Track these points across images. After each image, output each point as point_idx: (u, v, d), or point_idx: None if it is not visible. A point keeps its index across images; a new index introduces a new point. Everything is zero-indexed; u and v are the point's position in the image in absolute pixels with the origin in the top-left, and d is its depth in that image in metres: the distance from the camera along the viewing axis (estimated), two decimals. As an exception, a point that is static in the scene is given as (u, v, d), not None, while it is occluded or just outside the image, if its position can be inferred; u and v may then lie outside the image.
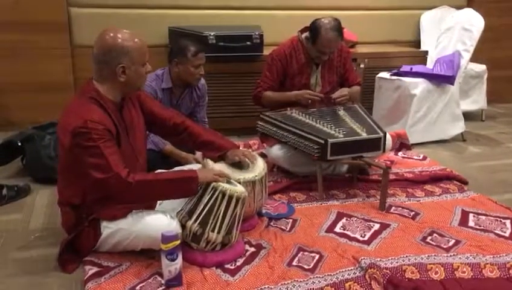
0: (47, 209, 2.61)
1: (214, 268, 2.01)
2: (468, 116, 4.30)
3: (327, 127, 2.76)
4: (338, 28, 2.90)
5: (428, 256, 2.11)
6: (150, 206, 2.14)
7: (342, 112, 3.00)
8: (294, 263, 2.07)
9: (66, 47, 3.88)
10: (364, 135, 2.70)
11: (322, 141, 2.60)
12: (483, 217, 2.52)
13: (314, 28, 2.93)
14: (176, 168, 2.48)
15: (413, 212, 2.56)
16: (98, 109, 1.94)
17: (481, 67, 4.46)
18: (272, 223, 2.43)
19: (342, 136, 2.67)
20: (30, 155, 3.01)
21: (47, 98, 3.76)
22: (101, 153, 1.86)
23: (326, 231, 2.37)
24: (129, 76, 1.97)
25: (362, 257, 2.05)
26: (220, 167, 2.25)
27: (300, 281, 1.93)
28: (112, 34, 1.95)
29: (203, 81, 3.05)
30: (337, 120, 2.89)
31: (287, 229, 2.38)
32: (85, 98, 1.96)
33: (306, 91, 3.01)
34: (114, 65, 1.94)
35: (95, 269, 1.98)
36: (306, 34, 3.04)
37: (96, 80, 2.00)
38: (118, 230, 2.00)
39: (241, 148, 2.54)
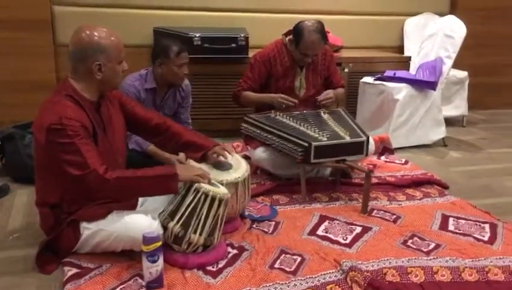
0: (26, 209, 2.58)
1: (195, 270, 2.00)
2: (449, 121, 4.35)
3: (311, 130, 2.77)
4: (321, 30, 2.92)
5: (408, 259, 2.12)
6: (131, 207, 2.11)
7: (326, 116, 3.01)
8: (276, 266, 2.07)
9: (49, 45, 3.83)
10: (347, 139, 2.71)
11: (306, 144, 2.60)
12: (463, 221, 2.55)
13: (297, 30, 2.94)
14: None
15: (395, 216, 2.58)
16: (74, 106, 1.92)
17: (463, 74, 4.51)
18: (254, 226, 2.43)
19: (325, 139, 2.68)
20: (10, 154, 2.96)
21: (29, 96, 3.68)
22: (77, 150, 1.84)
23: (308, 234, 2.37)
24: (105, 74, 1.95)
25: (344, 260, 2.06)
26: (203, 168, 2.24)
27: (282, 284, 1.93)
28: (88, 32, 1.93)
29: (187, 82, 3.04)
30: (321, 123, 2.90)
31: (270, 232, 2.38)
32: (61, 96, 1.93)
33: (280, 95, 3.03)
34: (90, 63, 1.92)
35: (74, 270, 1.95)
36: (290, 36, 3.05)
37: (72, 77, 1.98)
38: (98, 231, 1.98)
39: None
